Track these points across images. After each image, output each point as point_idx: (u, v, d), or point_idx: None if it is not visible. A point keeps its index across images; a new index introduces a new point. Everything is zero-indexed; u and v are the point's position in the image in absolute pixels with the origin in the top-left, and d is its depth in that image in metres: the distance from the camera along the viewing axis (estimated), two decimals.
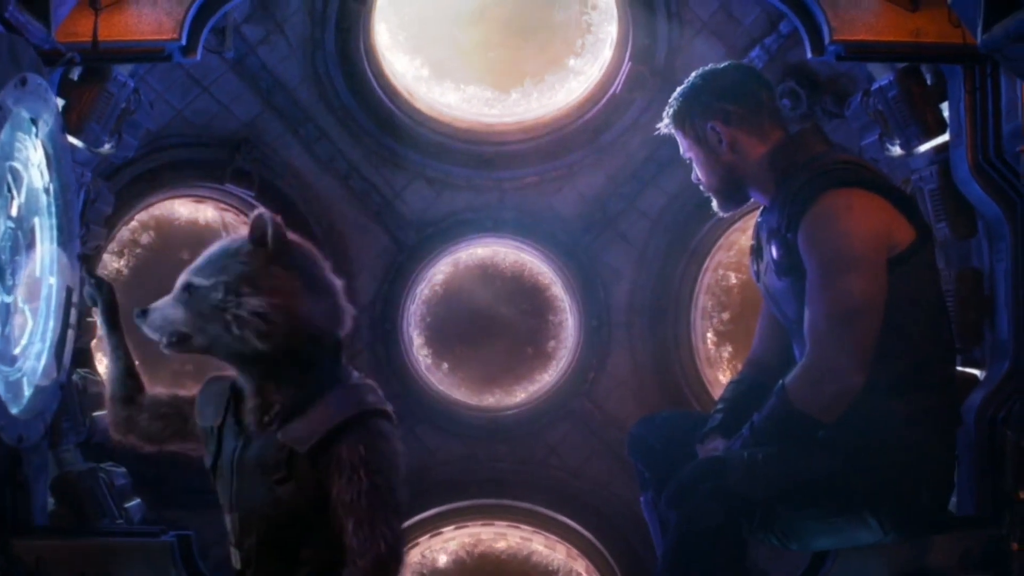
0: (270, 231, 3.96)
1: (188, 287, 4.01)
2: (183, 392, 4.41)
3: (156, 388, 4.45)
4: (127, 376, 4.43)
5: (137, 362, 4.47)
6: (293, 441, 3.96)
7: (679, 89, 5.45)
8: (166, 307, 4.06)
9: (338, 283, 4.14)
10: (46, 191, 5.75)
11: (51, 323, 5.82)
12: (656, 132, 5.57)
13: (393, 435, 4.08)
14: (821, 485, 4.95)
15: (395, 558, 3.95)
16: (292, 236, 4.09)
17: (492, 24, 8.28)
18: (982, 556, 5.49)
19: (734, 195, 5.41)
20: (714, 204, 5.49)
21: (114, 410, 4.44)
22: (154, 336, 4.09)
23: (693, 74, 5.46)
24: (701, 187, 5.47)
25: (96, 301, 4.48)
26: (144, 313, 4.08)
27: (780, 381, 5.01)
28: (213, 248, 4.09)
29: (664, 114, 5.46)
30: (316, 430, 3.95)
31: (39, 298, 5.77)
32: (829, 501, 4.99)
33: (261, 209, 4.09)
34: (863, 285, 4.87)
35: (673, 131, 5.45)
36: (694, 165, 5.44)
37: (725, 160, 5.30)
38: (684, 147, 5.44)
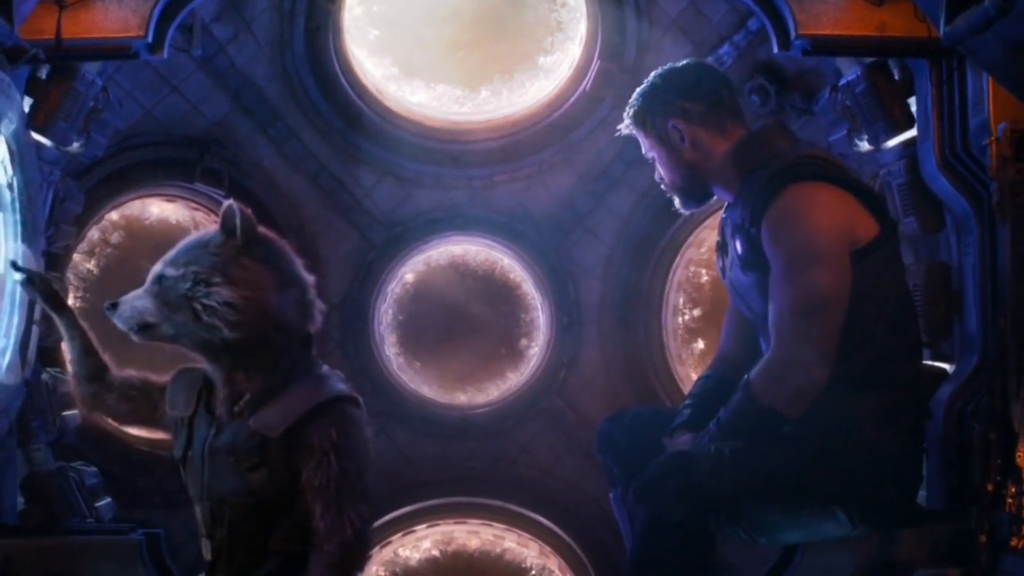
0: (239, 222, 4.01)
1: (159, 278, 4.08)
2: (154, 377, 4.44)
3: (128, 370, 4.47)
4: (85, 355, 4.45)
5: (107, 354, 4.49)
6: (265, 427, 4.02)
7: (638, 89, 5.47)
8: (135, 299, 4.13)
9: (309, 279, 4.21)
10: (9, 187, 5.71)
11: (15, 319, 5.79)
12: (617, 133, 5.59)
13: (363, 422, 4.16)
14: (788, 479, 4.96)
15: (361, 544, 4.03)
16: (264, 230, 4.16)
17: (462, 22, 8.26)
18: (950, 549, 5.51)
19: (697, 193, 5.42)
20: (676, 203, 5.51)
21: (79, 387, 4.48)
22: (123, 327, 4.15)
23: (652, 74, 5.48)
24: (663, 186, 5.49)
25: (34, 295, 4.52)
26: (114, 306, 4.16)
27: (745, 376, 5.02)
28: (186, 240, 4.16)
29: (624, 115, 5.48)
30: (288, 416, 4.02)
31: (3, 294, 5.74)
32: (796, 495, 4.99)
33: (231, 201, 4.12)
34: (826, 279, 4.88)
35: (634, 131, 5.46)
36: (657, 164, 5.45)
37: (687, 158, 5.32)
38: (646, 147, 5.46)
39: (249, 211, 4.08)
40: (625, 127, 5.50)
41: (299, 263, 4.20)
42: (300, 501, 4.02)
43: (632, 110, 5.44)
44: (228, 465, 4.06)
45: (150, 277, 4.12)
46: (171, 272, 4.04)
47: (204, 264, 3.99)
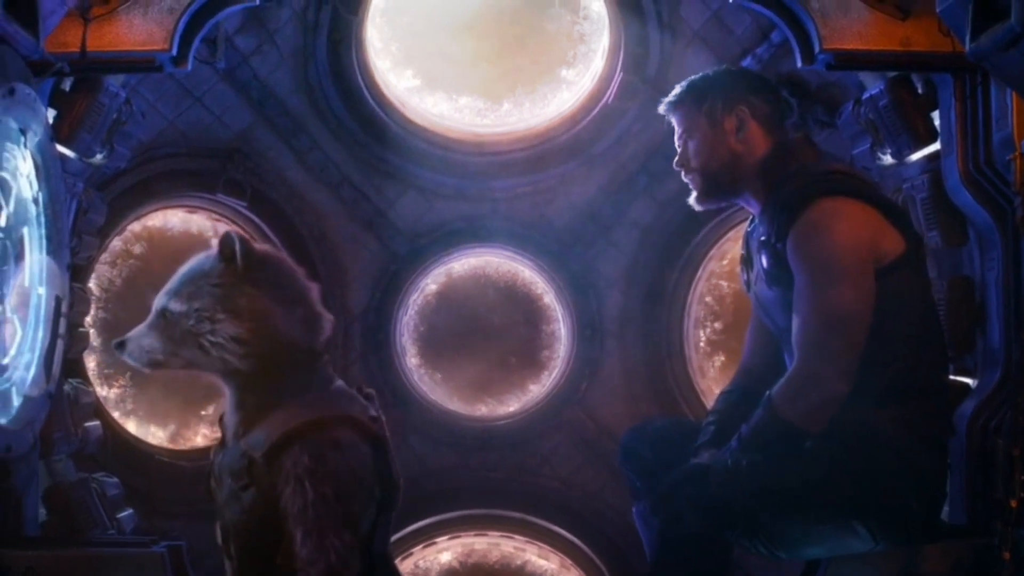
0: (238, 251, 4.01)
1: (163, 313, 4.08)
2: None
3: None
4: None
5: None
6: (251, 448, 4.01)
7: (704, 74, 5.46)
8: (141, 336, 4.13)
9: (313, 288, 4.20)
10: (35, 201, 5.72)
11: (40, 333, 5.79)
12: (662, 103, 5.52)
13: (351, 445, 4.06)
14: (806, 493, 4.93)
15: (346, 569, 3.94)
16: (261, 247, 4.16)
17: (484, 34, 8.27)
18: (974, 565, 5.48)
19: (722, 188, 5.37)
20: (693, 197, 5.46)
21: None
22: (134, 364, 4.17)
23: (721, 67, 5.51)
24: (686, 174, 5.42)
25: None
26: (122, 345, 4.17)
27: (767, 392, 5.00)
28: (185, 268, 4.15)
29: (681, 86, 5.46)
30: (270, 436, 3.98)
31: (28, 308, 5.74)
32: (815, 509, 4.96)
33: (228, 230, 4.13)
34: (850, 294, 4.86)
35: (682, 108, 5.42)
36: (689, 145, 5.39)
37: (733, 147, 5.29)
38: (687, 124, 5.41)
39: (247, 237, 4.08)
40: (675, 98, 5.46)
41: (300, 273, 4.20)
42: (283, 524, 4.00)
43: (696, 83, 5.44)
44: (227, 485, 4.07)
45: (154, 310, 4.12)
46: (176, 307, 4.03)
47: (206, 299, 4.00)
